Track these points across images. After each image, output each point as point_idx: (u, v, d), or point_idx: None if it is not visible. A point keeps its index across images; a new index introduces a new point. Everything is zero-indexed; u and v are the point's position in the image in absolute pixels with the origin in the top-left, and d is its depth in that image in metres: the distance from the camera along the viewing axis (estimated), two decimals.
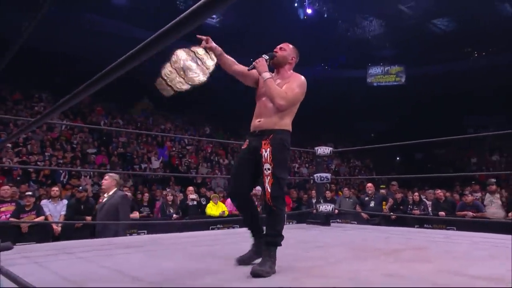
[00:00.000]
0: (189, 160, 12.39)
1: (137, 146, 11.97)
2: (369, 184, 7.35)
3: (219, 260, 2.48)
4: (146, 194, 7.85)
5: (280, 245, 2.17)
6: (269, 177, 2.09)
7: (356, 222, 6.72)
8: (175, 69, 2.24)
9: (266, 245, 2.12)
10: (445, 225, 6.08)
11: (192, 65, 2.17)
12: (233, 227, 6.46)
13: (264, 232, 2.19)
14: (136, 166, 10.89)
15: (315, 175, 5.06)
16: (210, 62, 2.30)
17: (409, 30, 18.08)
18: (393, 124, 19.20)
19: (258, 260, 2.12)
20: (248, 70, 2.29)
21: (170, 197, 7.51)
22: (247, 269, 2.07)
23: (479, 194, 7.81)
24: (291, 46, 2.38)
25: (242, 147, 2.30)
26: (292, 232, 4.40)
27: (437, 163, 17.53)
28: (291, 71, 2.34)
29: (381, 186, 8.15)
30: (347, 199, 7.86)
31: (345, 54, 18.93)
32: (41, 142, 9.83)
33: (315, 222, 4.92)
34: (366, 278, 1.94)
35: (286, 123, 2.21)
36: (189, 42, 15.29)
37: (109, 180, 4.39)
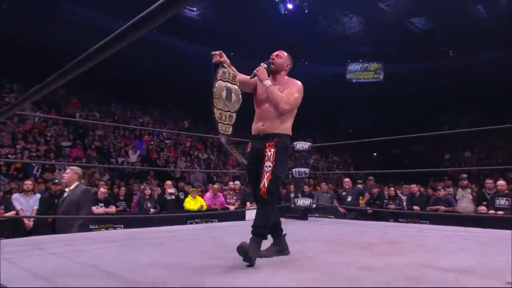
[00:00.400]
0: (168, 154, 12.25)
1: (114, 140, 11.74)
2: (347, 179, 7.47)
3: (197, 254, 2.47)
4: (123, 188, 7.74)
5: (266, 238, 2.30)
6: (268, 174, 2.25)
7: (333, 217, 6.82)
8: (222, 108, 2.05)
9: (253, 235, 2.24)
10: (419, 219, 6.25)
11: (229, 95, 2.02)
12: (212, 221, 6.44)
13: (252, 224, 2.31)
14: (113, 159, 10.69)
15: (293, 169, 5.11)
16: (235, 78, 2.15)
17: (387, 28, 18.36)
18: (371, 120, 19.55)
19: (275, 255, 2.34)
20: (250, 78, 2.44)
21: (147, 191, 7.42)
22: (224, 262, 2.07)
23: (451, 189, 8.07)
24: (285, 53, 2.54)
25: (247, 151, 2.47)
26: None
27: (412, 159, 17.98)
28: (287, 76, 2.51)
29: (358, 181, 8.31)
30: (325, 193, 7.97)
31: (325, 50, 19.05)
32: (12, 134, 9.49)
33: (293, 216, 4.96)
34: (341, 271, 1.97)
35: (287, 127, 2.41)
36: (172, 35, 15.14)
37: (70, 173, 4.13)
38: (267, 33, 16.68)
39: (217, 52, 2.32)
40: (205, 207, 7.38)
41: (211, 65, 2.29)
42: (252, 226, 2.28)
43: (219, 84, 2.25)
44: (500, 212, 5.99)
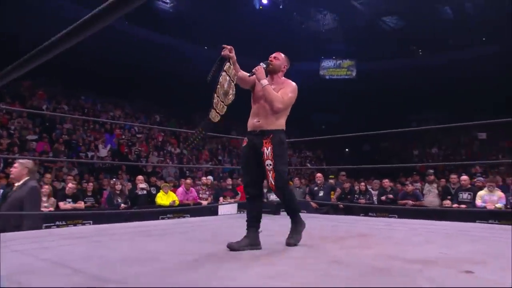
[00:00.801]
0: (139, 148, 12.01)
1: (84, 133, 11.39)
2: (319, 174, 7.57)
3: (168, 250, 2.44)
4: (91, 184, 7.54)
5: (300, 211, 2.73)
6: (271, 172, 2.49)
7: (305, 211, 6.92)
8: (220, 97, 2.12)
9: (293, 221, 2.67)
10: (387, 213, 6.44)
11: (228, 89, 2.11)
12: (184, 217, 6.39)
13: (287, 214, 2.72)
14: (82, 154, 10.37)
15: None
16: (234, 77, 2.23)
17: (360, 25, 18.71)
18: (344, 117, 19.91)
19: (248, 247, 2.42)
20: (249, 76, 2.64)
21: (118, 186, 7.26)
22: (195, 257, 2.06)
23: (419, 184, 8.36)
24: (283, 55, 2.77)
25: (243, 145, 2.66)
26: (241, 221, 4.45)
27: (383, 154, 18.46)
28: (283, 77, 2.74)
29: (330, 176, 8.45)
30: (298, 188, 8.05)
31: (299, 46, 19.17)
32: None
33: (266, 211, 4.99)
34: (312, 264, 2.01)
35: (281, 123, 2.62)
36: (145, 28, 14.77)
37: (19, 167, 3.62)
38: (241, 27, 16.60)
39: (228, 47, 2.52)
40: (177, 202, 7.31)
41: (219, 56, 2.49)
42: (287, 211, 2.70)
43: (224, 75, 2.48)
44: (463, 206, 6.28)
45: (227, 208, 7.04)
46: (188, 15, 16.62)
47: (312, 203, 7.19)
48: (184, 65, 15.57)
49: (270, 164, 2.49)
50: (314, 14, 19.90)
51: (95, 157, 10.37)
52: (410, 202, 6.89)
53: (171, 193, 7.49)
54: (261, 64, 2.62)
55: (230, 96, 2.55)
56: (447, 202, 6.65)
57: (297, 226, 2.65)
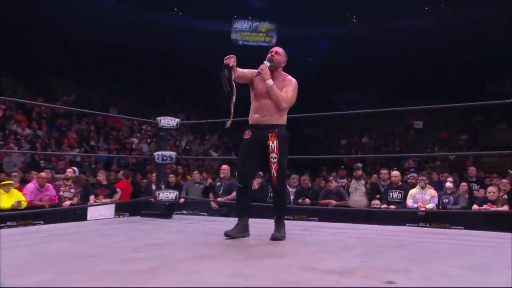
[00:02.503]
0: None
1: None
2: (224, 167, 7.70)
3: (6, 271, 2.28)
4: None
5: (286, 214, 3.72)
6: (275, 164, 3.35)
7: (206, 214, 7.02)
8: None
9: (277, 217, 3.44)
10: (306, 216, 6.83)
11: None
12: (35, 224, 5.97)
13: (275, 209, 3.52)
14: None
15: (155, 153, 5.06)
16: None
17: None
18: None
19: (240, 235, 3.36)
20: (255, 76, 3.45)
21: None
22: (42, 280, 1.95)
23: (345, 180, 8.98)
24: (282, 49, 3.58)
25: (245, 137, 3.47)
26: (119, 228, 4.36)
27: (304, 143, 19.34)
28: (283, 72, 3.53)
29: None
30: (197, 184, 8.10)
31: (207, 2, 19.03)
32: None
33: (153, 214, 4.95)
34: (208, 279, 2.07)
35: (284, 119, 3.48)
36: None
37: None
38: None
39: (233, 57, 3.42)
40: (24, 204, 6.82)
41: (224, 65, 3.38)
42: (275, 211, 3.46)
43: (232, 83, 3.41)
44: (392, 206, 6.94)
45: (100, 211, 6.82)
46: None
47: (212, 202, 7.30)
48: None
49: (275, 157, 3.34)
50: None
51: None
52: (333, 202, 7.36)
53: (15, 192, 6.96)
54: (265, 62, 3.41)
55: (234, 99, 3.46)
56: (376, 202, 7.26)
57: (282, 222, 3.42)
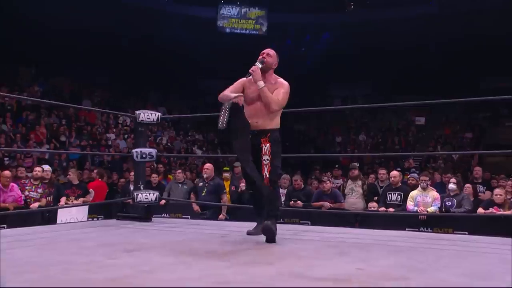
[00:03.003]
0: None
1: None
2: (207, 165, 7.66)
3: None
4: None
5: (279, 218, 4.02)
6: (267, 166, 3.56)
7: (189, 217, 6.99)
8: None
9: (270, 217, 3.49)
10: (298, 219, 6.85)
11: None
12: None
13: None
14: None
15: (134, 150, 5.04)
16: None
17: None
18: None
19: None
20: (246, 77, 3.70)
21: None
22: None
23: (340, 181, 9.03)
24: (273, 51, 3.78)
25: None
26: (92, 232, 4.33)
27: (296, 140, 19.36)
28: (274, 74, 3.77)
29: (225, 169, 8.57)
30: (180, 185, 8.07)
31: None
32: None
33: (130, 217, 4.94)
34: None
35: (277, 122, 3.73)
36: None
37: None
38: None
39: (242, 95, 3.61)
40: None
41: (230, 101, 3.55)
42: (267, 211, 3.55)
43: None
44: (391, 210, 6.98)
45: (72, 213, 6.82)
46: None
47: (194, 205, 7.27)
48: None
49: (267, 159, 3.56)
50: None
51: None
52: (327, 204, 7.38)
53: None
54: (257, 63, 3.61)
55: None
56: (373, 205, 7.31)
57: (274, 221, 3.51)
